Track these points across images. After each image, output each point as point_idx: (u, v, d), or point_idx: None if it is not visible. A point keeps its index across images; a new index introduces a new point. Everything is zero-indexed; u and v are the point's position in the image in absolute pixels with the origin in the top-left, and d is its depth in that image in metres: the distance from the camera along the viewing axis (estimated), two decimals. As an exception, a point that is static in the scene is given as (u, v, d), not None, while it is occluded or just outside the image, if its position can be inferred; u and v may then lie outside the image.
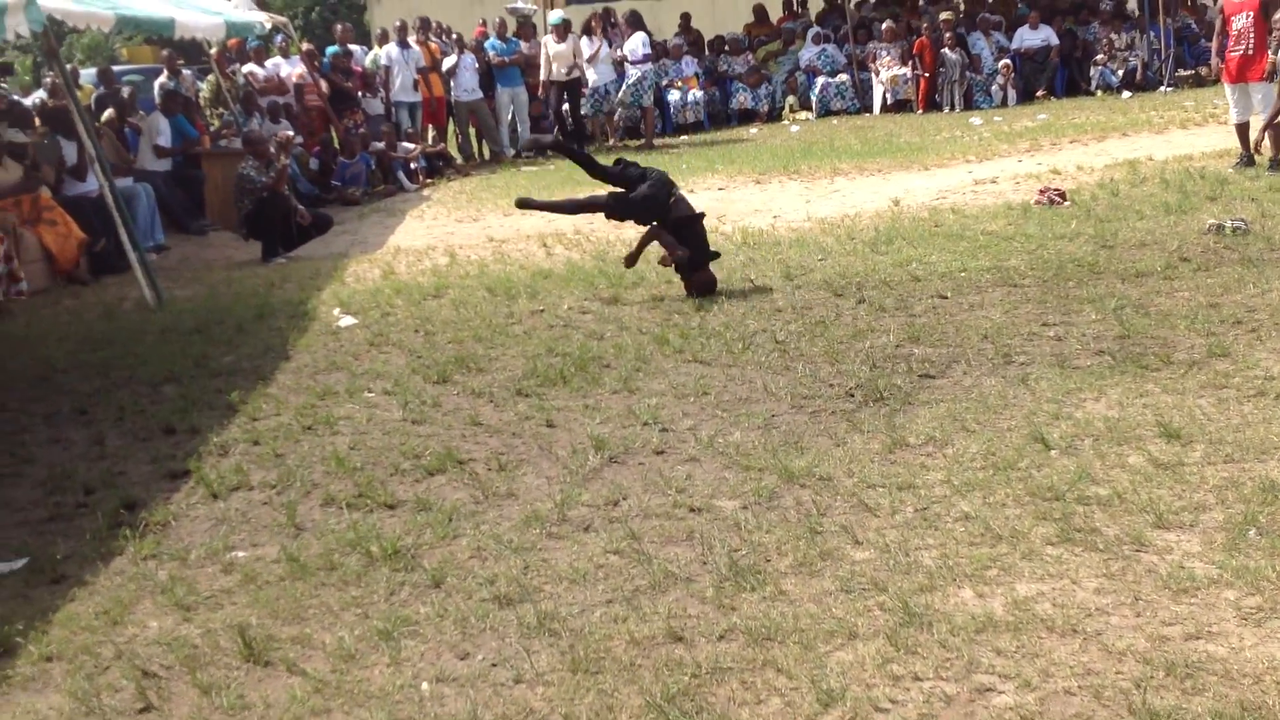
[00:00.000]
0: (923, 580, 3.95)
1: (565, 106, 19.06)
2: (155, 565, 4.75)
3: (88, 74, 19.71)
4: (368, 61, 19.16)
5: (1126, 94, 18.93)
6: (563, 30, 18.57)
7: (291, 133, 15.14)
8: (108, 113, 14.89)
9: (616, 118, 19.77)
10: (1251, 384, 5.43)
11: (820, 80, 21.00)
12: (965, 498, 4.56)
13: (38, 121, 13.93)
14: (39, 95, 17.21)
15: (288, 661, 3.87)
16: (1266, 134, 10.61)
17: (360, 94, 18.35)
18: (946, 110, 19.72)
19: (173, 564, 4.74)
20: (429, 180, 17.50)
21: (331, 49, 19.13)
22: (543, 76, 18.72)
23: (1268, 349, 5.88)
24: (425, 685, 3.65)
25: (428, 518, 4.91)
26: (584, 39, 18.93)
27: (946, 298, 7.53)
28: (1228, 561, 3.86)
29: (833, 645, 3.62)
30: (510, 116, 19.56)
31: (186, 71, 17.87)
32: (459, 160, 19.22)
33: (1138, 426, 5.07)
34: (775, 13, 23.87)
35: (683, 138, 20.04)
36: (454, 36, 19.76)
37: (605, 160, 9.10)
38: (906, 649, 3.54)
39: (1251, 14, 10.87)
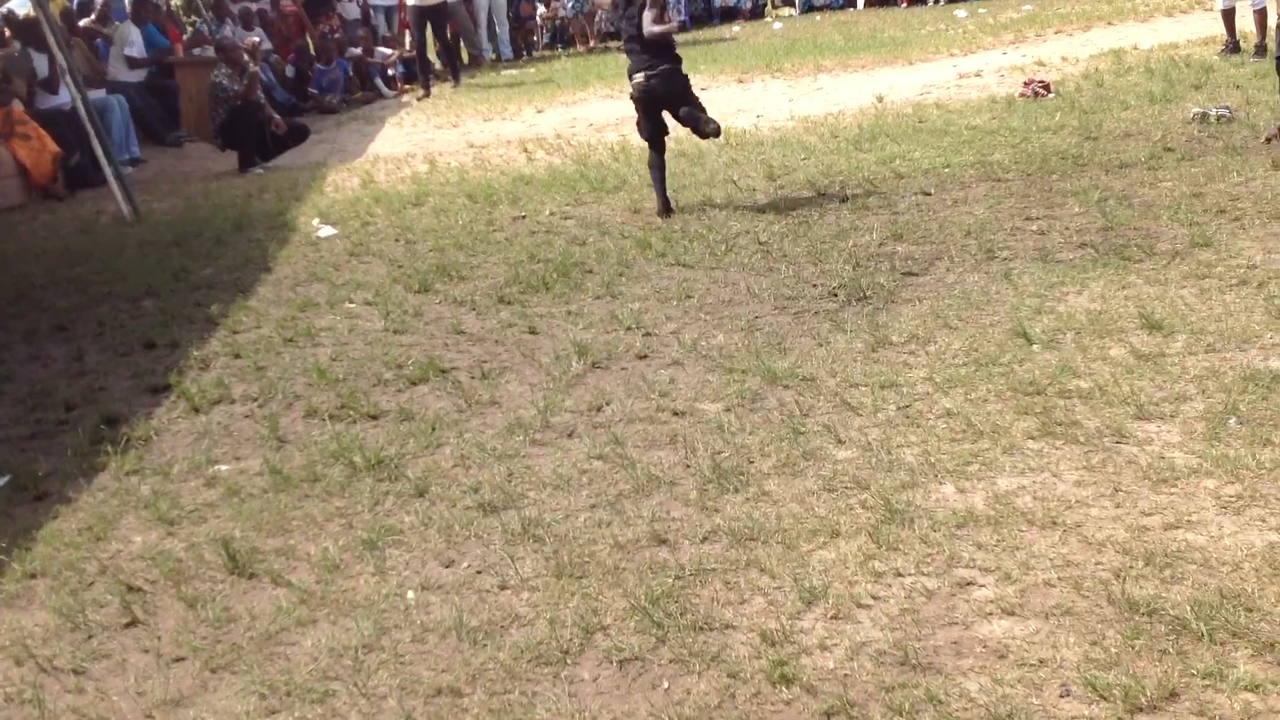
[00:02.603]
0: (904, 477, 3.96)
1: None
2: (138, 480, 4.75)
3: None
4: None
5: (1113, -18, 18.65)
6: None
7: (258, 39, 14.89)
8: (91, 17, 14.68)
9: (597, 19, 19.48)
10: (1234, 273, 5.41)
11: (803, -26, 20.69)
12: (947, 394, 4.55)
13: (8, 33, 13.66)
14: (9, 6, 16.88)
15: (272, 573, 3.88)
16: (1252, 19, 10.46)
17: (336, -2, 18.04)
18: (930, 3, 19.45)
19: (155, 479, 4.74)
20: (407, 86, 17.28)
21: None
22: (411, 1, 16.55)
23: (1250, 237, 5.85)
24: (410, 593, 3.66)
25: (411, 427, 4.90)
26: None
27: (930, 194, 7.48)
28: (1208, 451, 3.86)
29: (815, 544, 3.63)
30: (488, 18, 19.24)
31: (157, -22, 17.51)
32: (436, 65, 18.94)
33: (1120, 319, 5.05)
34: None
35: (664, 37, 19.72)
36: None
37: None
38: (888, 545, 3.56)
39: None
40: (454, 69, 17.00)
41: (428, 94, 15.95)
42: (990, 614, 3.18)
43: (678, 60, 7.71)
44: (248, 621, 3.63)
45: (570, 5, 19.27)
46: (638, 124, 7.91)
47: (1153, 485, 3.72)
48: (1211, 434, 3.98)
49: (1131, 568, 3.28)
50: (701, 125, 7.72)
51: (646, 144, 7.88)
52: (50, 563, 4.13)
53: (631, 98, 7.84)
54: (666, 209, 7.72)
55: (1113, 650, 2.95)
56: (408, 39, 18.75)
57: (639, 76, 7.62)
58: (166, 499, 4.51)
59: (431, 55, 19.00)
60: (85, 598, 3.88)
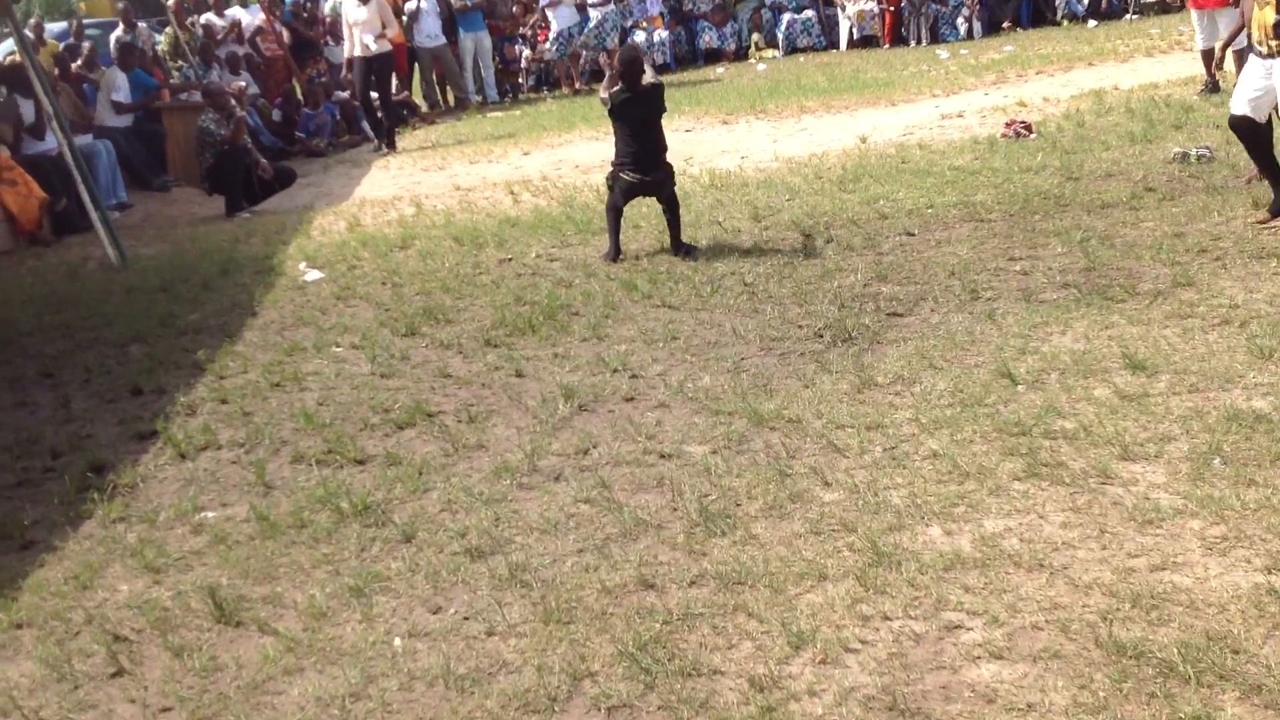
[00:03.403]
0: (891, 520, 3.97)
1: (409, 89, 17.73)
2: (124, 528, 4.73)
3: (53, 29, 19.35)
4: (329, 8, 18.87)
5: (1092, 23, 18.84)
6: None
7: (244, 83, 14.95)
8: (78, 62, 14.76)
9: (581, 61, 19.60)
10: (1216, 313, 5.45)
11: (786, 17, 20.85)
12: (933, 436, 4.57)
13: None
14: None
15: (259, 621, 3.87)
16: (1229, 54, 10.54)
17: (323, 42, 18.11)
18: (913, 44, 19.60)
19: (142, 526, 4.73)
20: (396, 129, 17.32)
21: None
22: (345, 53, 15.54)
23: (1232, 277, 5.89)
24: (398, 640, 3.65)
25: (398, 472, 4.90)
26: None
27: (914, 235, 7.52)
28: (1193, 492, 3.88)
29: (803, 588, 3.64)
30: (473, 62, 19.34)
31: (142, 24, 17.59)
32: (423, 108, 19.03)
33: (1103, 359, 5.08)
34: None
35: (649, 79, 19.84)
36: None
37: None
38: (876, 589, 3.56)
39: (1219, -62, 10.76)
40: (390, 128, 15.57)
41: (380, 147, 15.19)
42: (978, 657, 3.18)
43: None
44: (234, 670, 3.61)
45: (555, 49, 19.39)
46: (612, 199, 8.01)
47: (1138, 526, 3.74)
48: (1196, 474, 4.00)
49: (1119, 610, 3.29)
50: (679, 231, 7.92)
51: (611, 202, 7.99)
52: (36, 612, 4.12)
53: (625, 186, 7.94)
54: (617, 255, 7.86)
55: (1101, 694, 2.96)
56: (394, 82, 18.84)
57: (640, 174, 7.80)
58: (153, 547, 4.49)
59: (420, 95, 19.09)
60: (71, 647, 3.86)
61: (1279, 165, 6.76)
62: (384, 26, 14.83)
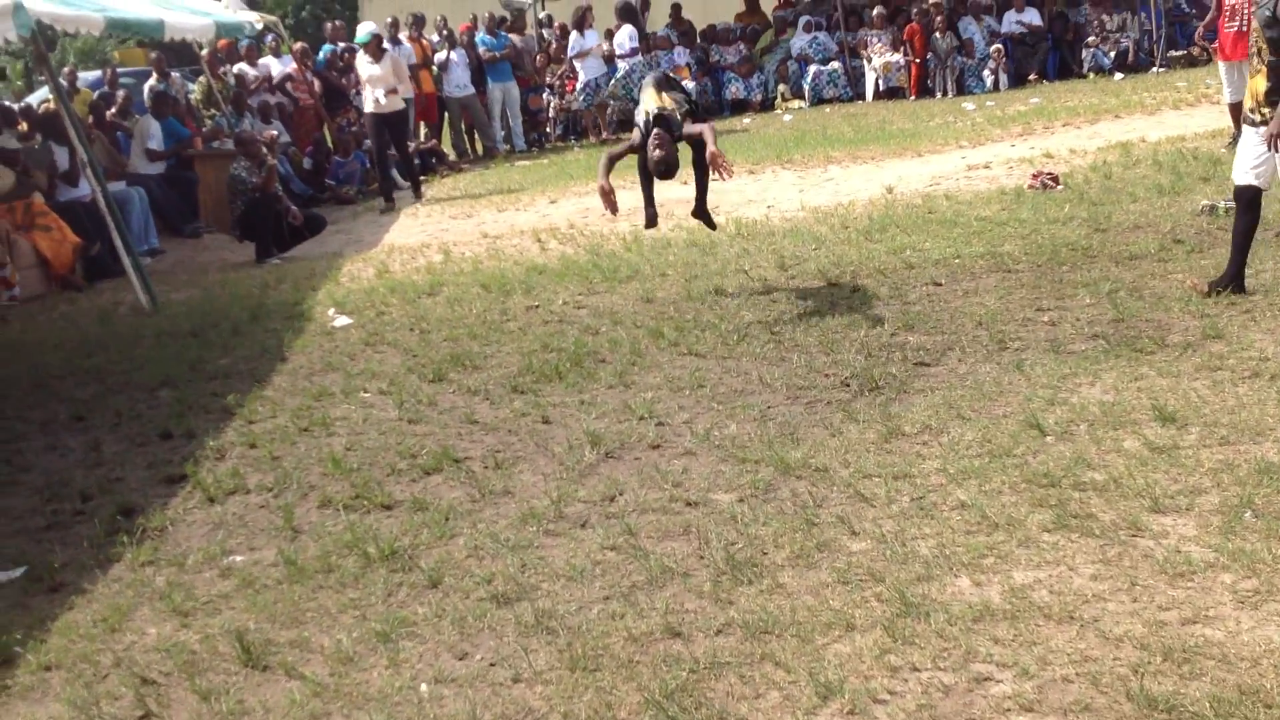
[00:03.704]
0: (920, 570, 3.95)
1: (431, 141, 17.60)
2: (153, 571, 4.75)
3: (87, 77, 19.65)
4: (396, 53, 19.08)
5: (1119, 76, 18.89)
6: (376, 47, 15.05)
7: (276, 132, 15.10)
8: (112, 110, 15.00)
9: (609, 111, 19.75)
10: (1246, 365, 5.43)
11: (812, 68, 20.96)
12: (961, 486, 4.55)
13: (24, 126, 13.90)
14: (34, 98, 17.22)
15: (286, 665, 3.87)
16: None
17: (354, 91, 18.30)
18: (939, 96, 19.68)
19: (170, 570, 4.74)
20: (422, 177, 17.48)
21: (327, 47, 19.06)
22: (367, 109, 15.19)
23: (1262, 329, 5.87)
24: (424, 686, 3.65)
25: (424, 517, 4.91)
26: (573, 34, 18.89)
27: (941, 285, 7.53)
28: (1224, 545, 3.86)
29: (830, 637, 3.62)
30: (501, 111, 19.52)
31: (176, 74, 17.84)
32: (452, 157, 19.20)
33: (1133, 410, 5.07)
34: (766, 1, 23.79)
35: (676, 129, 19.96)
36: (445, 32, 19.67)
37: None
38: (904, 640, 3.54)
39: (1246, -9, 10.80)
40: (414, 180, 15.70)
41: (390, 206, 14.83)
42: (1008, 710, 3.16)
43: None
44: (261, 715, 3.62)
45: (582, 99, 19.56)
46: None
47: (1169, 579, 3.71)
48: (1227, 527, 3.97)
49: (1150, 663, 3.27)
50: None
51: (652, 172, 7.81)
52: (65, 655, 4.13)
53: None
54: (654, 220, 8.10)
55: (1132, 747, 2.93)
56: (422, 130, 19.01)
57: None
58: (181, 590, 4.51)
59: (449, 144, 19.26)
60: (99, 690, 3.87)
61: (1249, 244, 6.66)
62: (398, 82, 14.88)
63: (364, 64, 15.08)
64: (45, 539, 5.26)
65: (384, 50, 15.11)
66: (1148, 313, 6.36)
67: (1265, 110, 6.39)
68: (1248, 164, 6.55)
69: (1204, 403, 5.06)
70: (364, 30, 15.65)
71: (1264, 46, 6.35)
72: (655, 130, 7.38)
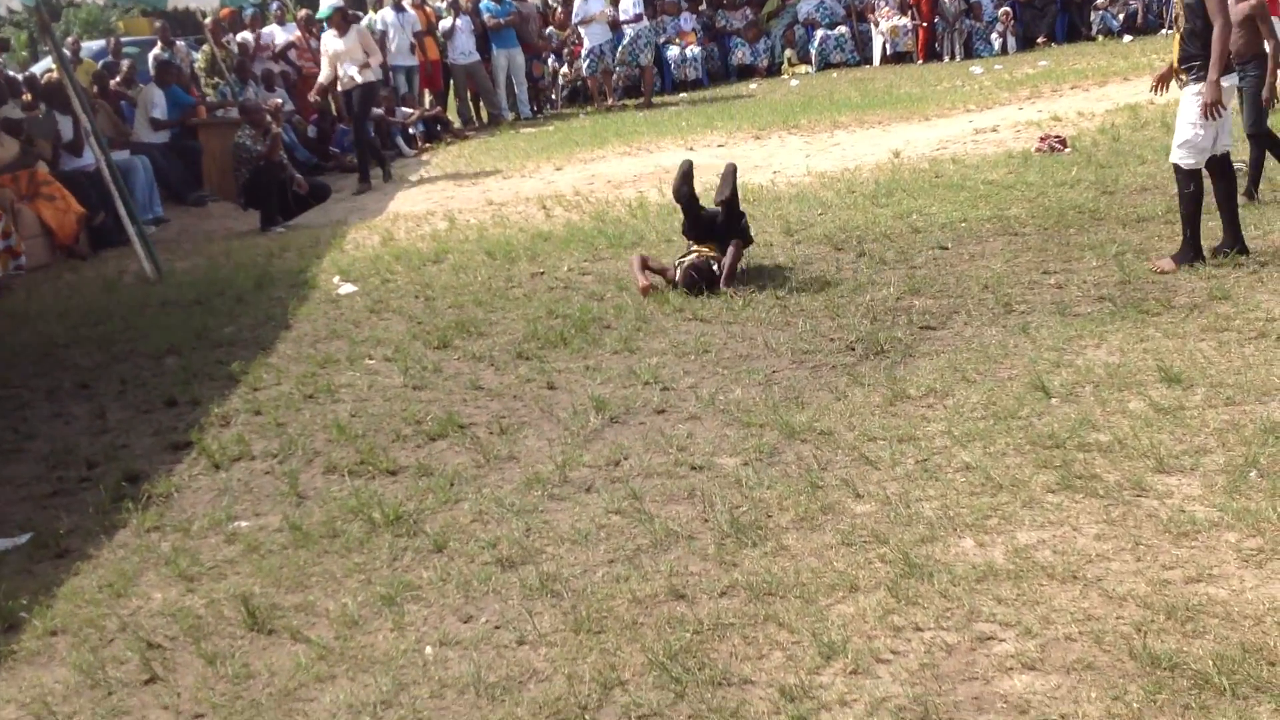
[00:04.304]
0: (924, 531, 3.95)
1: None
2: (158, 537, 4.77)
3: (90, 47, 19.59)
4: (364, 26, 19.01)
5: (1128, 38, 18.77)
6: (340, 21, 14.13)
7: (281, 100, 15.04)
8: (117, 79, 14.95)
9: (615, 77, 19.66)
10: (1252, 326, 5.40)
11: (819, 33, 20.85)
12: (966, 448, 4.54)
13: (28, 96, 13.87)
14: (38, 68, 17.17)
15: (291, 629, 3.88)
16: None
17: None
18: (946, 60, 19.57)
19: (176, 535, 4.76)
20: (427, 145, 17.45)
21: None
22: (340, 88, 14.56)
23: (1269, 290, 5.84)
24: (429, 649, 3.66)
25: (429, 483, 4.91)
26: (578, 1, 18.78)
27: (947, 248, 7.50)
28: (1228, 504, 3.85)
29: (834, 598, 3.62)
30: (507, 78, 19.44)
31: (180, 42, 17.79)
32: (456, 124, 19.14)
33: (1138, 372, 5.05)
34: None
35: (682, 95, 19.92)
36: (450, -1, 19.57)
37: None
38: (907, 600, 3.54)
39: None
40: (363, 161, 14.54)
41: (363, 189, 14.21)
42: (1011, 669, 3.16)
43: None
44: (267, 678, 3.63)
45: (587, 65, 19.46)
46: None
47: (1173, 539, 3.70)
48: (1232, 487, 3.96)
49: (1153, 622, 3.26)
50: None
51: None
52: (71, 620, 4.15)
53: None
54: None
55: (1135, 705, 2.93)
56: (427, 98, 18.94)
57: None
58: (186, 556, 4.52)
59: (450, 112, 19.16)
60: (105, 654, 3.89)
61: (1235, 206, 6.58)
62: (367, 56, 14.13)
63: (330, 39, 14.24)
64: (51, 505, 5.28)
65: (349, 24, 14.29)
66: (1154, 274, 6.33)
67: (1184, 76, 6.36)
68: (1208, 140, 6.42)
69: (1210, 363, 5.04)
70: (326, 4, 14.39)
71: (1180, 13, 6.32)
72: (689, 268, 7.27)
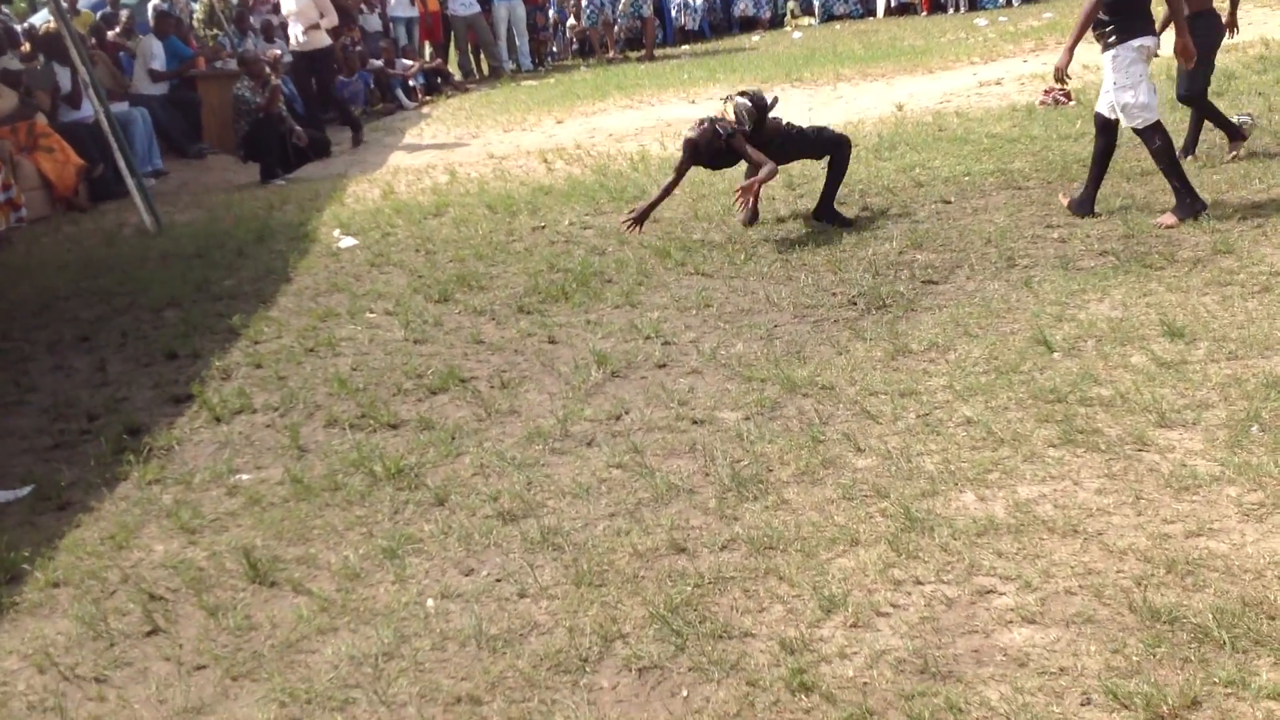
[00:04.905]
0: (924, 486, 3.95)
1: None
2: (160, 490, 4.77)
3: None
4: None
5: (1134, -10, 18.59)
6: None
7: (280, 51, 14.94)
8: (115, 30, 14.84)
9: (616, 29, 19.52)
10: (1256, 280, 5.38)
11: (822, -15, 20.70)
12: (967, 402, 4.54)
13: (26, 47, 13.78)
14: (36, 19, 17.03)
15: (293, 582, 3.89)
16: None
17: (358, 10, 18.11)
18: (951, 12, 19.43)
19: (177, 488, 4.76)
20: (427, 97, 17.36)
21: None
22: (290, 45, 14.24)
23: (1273, 244, 5.81)
24: (430, 602, 3.67)
25: (431, 436, 4.91)
26: None
27: (950, 202, 7.46)
28: (1230, 459, 3.84)
29: (834, 552, 3.63)
30: (507, 30, 19.30)
31: (179, -7, 17.65)
32: (457, 77, 19.02)
33: (1141, 326, 5.03)
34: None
35: (684, 47, 19.79)
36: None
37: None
38: (908, 554, 3.55)
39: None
40: (353, 125, 14.27)
41: (361, 136, 14.11)
42: (1011, 622, 3.16)
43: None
44: (268, 630, 3.64)
45: (588, 16, 19.32)
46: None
47: (1174, 493, 3.70)
48: (1234, 441, 3.95)
49: (1153, 575, 3.27)
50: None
51: None
52: (73, 571, 4.16)
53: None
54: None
55: (1134, 658, 2.94)
56: (427, 50, 18.82)
57: None
58: (188, 508, 4.53)
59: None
60: (107, 606, 3.90)
61: (1177, 161, 6.58)
62: (320, 16, 13.63)
63: None
64: (52, 458, 5.29)
65: None
66: (1158, 230, 6.30)
67: (1099, 42, 6.56)
68: (1144, 94, 6.44)
69: (1213, 318, 5.02)
70: None
71: None
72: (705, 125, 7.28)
